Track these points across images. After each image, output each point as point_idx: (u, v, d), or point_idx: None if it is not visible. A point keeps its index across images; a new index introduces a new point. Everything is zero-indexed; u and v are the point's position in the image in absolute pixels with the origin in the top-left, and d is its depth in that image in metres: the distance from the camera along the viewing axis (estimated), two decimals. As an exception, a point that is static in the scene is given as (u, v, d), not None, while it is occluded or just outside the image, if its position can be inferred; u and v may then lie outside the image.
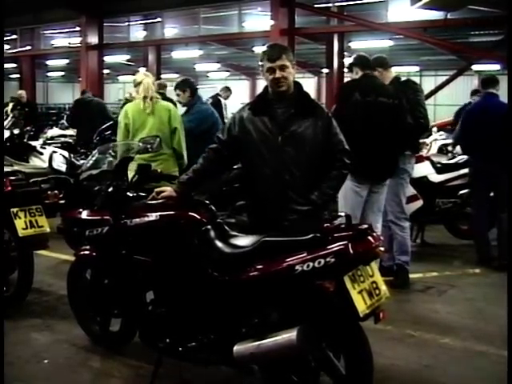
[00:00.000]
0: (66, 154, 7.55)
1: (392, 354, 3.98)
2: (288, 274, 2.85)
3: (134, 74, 5.81)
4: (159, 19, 22.55)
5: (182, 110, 6.45)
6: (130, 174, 4.05)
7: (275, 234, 3.10)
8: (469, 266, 6.22)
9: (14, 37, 23.43)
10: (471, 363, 3.95)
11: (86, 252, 4.03)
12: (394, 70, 5.70)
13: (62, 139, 10.68)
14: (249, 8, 20.00)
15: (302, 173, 3.43)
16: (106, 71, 23.78)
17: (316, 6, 17.17)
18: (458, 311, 4.95)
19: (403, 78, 5.64)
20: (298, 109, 3.47)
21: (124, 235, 3.67)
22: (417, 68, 30.51)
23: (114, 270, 3.85)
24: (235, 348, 3.01)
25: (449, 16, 13.58)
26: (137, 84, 5.42)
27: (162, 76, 23.17)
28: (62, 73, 37.65)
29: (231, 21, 21.12)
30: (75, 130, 10.80)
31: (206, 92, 17.52)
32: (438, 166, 6.84)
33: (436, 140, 10.15)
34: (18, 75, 27.93)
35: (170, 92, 7.14)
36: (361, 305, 2.80)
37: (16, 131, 8.03)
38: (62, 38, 24.79)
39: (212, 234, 3.32)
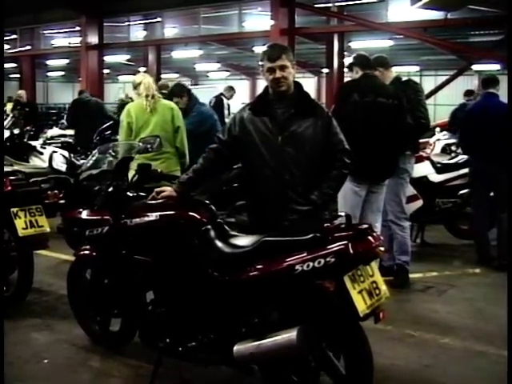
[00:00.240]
0: (66, 153, 7.55)
1: (392, 353, 3.98)
2: (288, 274, 2.85)
3: (134, 74, 5.82)
4: (159, 19, 22.55)
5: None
6: (132, 173, 4.06)
7: (275, 233, 3.10)
8: (469, 265, 6.22)
9: (14, 37, 23.44)
10: (471, 363, 3.95)
11: (86, 252, 4.03)
12: (394, 70, 5.69)
13: (62, 139, 10.67)
14: (249, 8, 20.00)
15: (302, 173, 3.43)
16: (106, 71, 23.77)
17: (316, 5, 17.17)
18: (457, 311, 4.95)
19: (404, 78, 5.64)
20: (298, 109, 3.47)
21: (124, 235, 3.67)
22: (417, 68, 30.51)
23: (113, 269, 3.85)
24: (235, 348, 3.01)
25: (449, 16, 13.58)
26: (136, 85, 5.43)
27: (162, 76, 23.17)
28: (62, 73, 37.65)
29: (231, 21, 21.12)
30: (74, 130, 10.80)
31: (206, 92, 17.56)
32: (438, 165, 6.84)
33: (439, 140, 10.15)
34: (18, 75, 27.96)
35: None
36: (361, 305, 2.80)
37: (16, 131, 8.03)
38: (62, 38, 24.80)
39: (212, 233, 3.32)
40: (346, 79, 17.25)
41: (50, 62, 30.91)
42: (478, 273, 6.03)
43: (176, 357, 3.48)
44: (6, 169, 5.62)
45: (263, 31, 17.10)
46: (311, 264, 2.79)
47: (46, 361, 3.94)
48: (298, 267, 2.82)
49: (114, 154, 4.25)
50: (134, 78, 5.57)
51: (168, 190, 3.56)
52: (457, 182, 6.74)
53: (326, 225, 2.93)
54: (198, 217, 3.40)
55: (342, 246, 2.77)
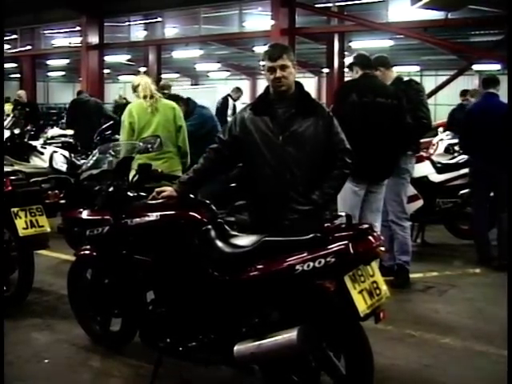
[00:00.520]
0: (66, 153, 7.55)
1: (392, 353, 3.98)
2: (288, 274, 2.85)
3: (134, 74, 5.82)
4: (160, 19, 22.55)
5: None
6: (133, 173, 4.06)
7: (276, 233, 3.10)
8: (469, 265, 6.22)
9: (15, 37, 23.46)
10: (471, 363, 3.95)
11: (87, 252, 4.03)
12: (395, 70, 5.69)
13: (63, 139, 10.66)
14: (249, 8, 20.01)
15: (303, 172, 3.42)
16: (106, 71, 23.77)
17: (316, 5, 17.19)
18: (458, 311, 4.95)
19: (405, 78, 5.63)
20: (299, 108, 3.47)
21: (124, 235, 3.67)
22: (417, 68, 30.52)
23: (114, 269, 3.85)
24: (235, 348, 3.01)
25: (449, 16, 13.59)
26: (135, 87, 5.43)
27: (163, 76, 23.17)
28: (63, 72, 37.66)
29: (232, 20, 21.13)
30: (73, 130, 10.81)
31: (206, 92, 17.55)
32: (439, 165, 6.84)
33: (442, 140, 10.13)
34: (18, 75, 27.96)
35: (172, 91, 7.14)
36: (361, 304, 2.80)
37: (17, 131, 8.02)
38: (63, 38, 24.81)
39: (212, 233, 3.32)
40: (346, 79, 17.24)
41: (51, 62, 30.93)
42: (478, 273, 6.03)
43: (176, 357, 3.48)
44: (7, 169, 5.62)
45: (263, 31, 17.11)
46: (311, 264, 2.79)
47: (46, 360, 3.94)
48: (298, 267, 2.82)
49: (114, 153, 4.25)
50: (133, 80, 5.57)
51: (168, 190, 3.56)
52: (457, 181, 6.74)
53: (326, 225, 2.93)
54: (199, 217, 3.40)
55: (343, 246, 2.77)
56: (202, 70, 33.69)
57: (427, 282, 5.65)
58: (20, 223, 4.63)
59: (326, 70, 22.86)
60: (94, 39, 18.74)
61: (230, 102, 11.90)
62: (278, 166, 3.43)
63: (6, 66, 26.47)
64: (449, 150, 9.33)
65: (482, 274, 5.97)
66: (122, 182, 3.90)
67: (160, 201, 3.57)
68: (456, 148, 9.13)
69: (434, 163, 6.83)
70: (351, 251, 2.76)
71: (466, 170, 6.59)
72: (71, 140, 9.27)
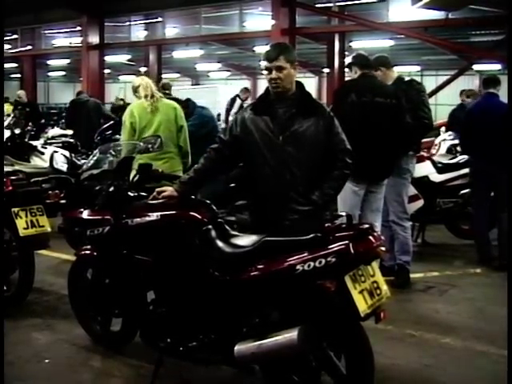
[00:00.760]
0: (66, 153, 7.56)
1: (393, 353, 3.98)
2: (289, 274, 2.85)
3: (134, 74, 5.82)
4: (160, 19, 22.56)
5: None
6: (133, 173, 4.07)
7: (276, 233, 3.10)
8: (469, 265, 6.22)
9: (15, 36, 23.46)
10: (472, 363, 3.95)
11: (87, 252, 4.03)
12: (395, 70, 5.69)
13: (63, 139, 10.67)
14: (250, 8, 20.01)
15: (303, 172, 3.42)
16: (106, 71, 23.76)
17: (317, 5, 17.19)
18: (458, 311, 4.95)
19: (407, 78, 5.63)
20: (299, 108, 3.46)
21: (125, 235, 3.67)
22: (418, 68, 30.52)
23: (114, 269, 3.86)
24: (236, 348, 3.01)
25: (450, 16, 13.58)
26: (136, 88, 5.43)
27: (163, 76, 23.17)
28: (63, 72, 37.66)
29: (232, 20, 21.14)
30: (72, 131, 10.82)
31: (207, 92, 17.55)
32: (439, 165, 6.84)
33: (445, 140, 10.11)
34: (18, 75, 27.95)
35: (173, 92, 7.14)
36: (362, 304, 2.80)
37: (17, 131, 8.02)
38: (63, 38, 24.81)
39: (213, 233, 3.32)
40: (346, 79, 17.24)
41: (51, 62, 30.92)
42: (478, 273, 6.03)
43: (177, 357, 3.48)
44: (7, 169, 5.62)
45: (264, 31, 17.10)
46: (312, 264, 2.79)
47: (46, 360, 3.94)
48: (298, 267, 2.82)
49: (114, 153, 4.26)
50: (133, 81, 5.57)
51: (169, 190, 3.55)
52: (458, 181, 6.74)
53: (326, 225, 2.93)
54: (199, 217, 3.40)
55: (343, 246, 2.77)
56: (203, 69, 33.69)
57: (428, 282, 5.65)
58: (20, 223, 4.63)
59: (326, 70, 22.87)
60: (94, 39, 18.72)
61: (238, 101, 11.96)
62: (278, 166, 3.42)
63: (7, 65, 26.49)
64: (451, 150, 9.31)
65: (482, 274, 5.97)
66: (122, 182, 3.90)
67: (160, 201, 3.57)
68: (458, 149, 9.12)
69: (434, 163, 6.83)
70: (352, 251, 2.76)
71: (466, 170, 6.59)
72: (72, 140, 9.27)
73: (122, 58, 26.64)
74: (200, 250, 3.30)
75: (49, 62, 31.10)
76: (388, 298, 2.97)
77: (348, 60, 5.16)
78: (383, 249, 2.90)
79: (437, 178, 6.73)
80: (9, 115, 9.14)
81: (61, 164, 7.26)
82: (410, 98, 5.19)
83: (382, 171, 5.00)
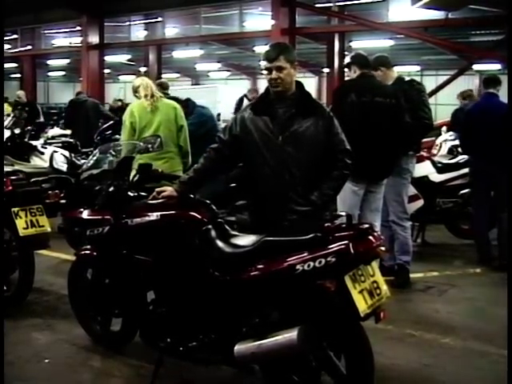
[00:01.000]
0: (66, 153, 7.56)
1: (392, 353, 3.98)
2: (289, 274, 2.85)
3: (134, 74, 5.82)
4: (160, 19, 22.57)
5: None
6: (133, 173, 4.07)
7: (276, 233, 3.10)
8: (469, 265, 6.22)
9: (15, 36, 23.47)
10: (471, 363, 3.95)
11: (87, 252, 4.03)
12: (395, 70, 5.68)
13: (63, 139, 10.67)
14: (250, 8, 20.01)
15: (303, 173, 3.42)
16: (106, 71, 23.75)
17: (317, 5, 17.19)
18: (458, 311, 4.95)
19: (407, 78, 5.62)
20: (299, 109, 3.46)
21: (125, 235, 3.67)
22: (418, 68, 30.53)
23: (114, 269, 3.85)
24: (236, 348, 3.01)
25: (449, 15, 13.59)
26: (136, 88, 5.43)
27: (163, 76, 23.17)
28: (63, 72, 37.68)
29: (232, 20, 21.14)
30: (71, 131, 10.83)
31: (207, 92, 17.55)
32: (439, 165, 6.84)
33: (446, 140, 10.11)
34: (18, 75, 27.96)
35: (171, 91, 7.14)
36: (361, 304, 2.80)
37: (17, 131, 8.03)
38: (63, 38, 24.82)
39: (213, 233, 3.32)
40: (346, 79, 17.25)
41: (51, 62, 30.95)
42: (478, 273, 6.03)
43: (177, 357, 3.48)
44: (7, 168, 5.62)
45: (264, 31, 17.11)
46: (312, 264, 2.79)
47: (46, 360, 3.94)
48: (298, 267, 2.82)
49: (114, 153, 4.26)
50: (133, 82, 5.57)
51: (169, 190, 3.55)
52: (457, 181, 6.74)
53: (326, 225, 2.93)
54: (199, 216, 3.40)
55: (343, 246, 2.77)
56: (203, 69, 33.70)
57: (427, 282, 5.65)
58: (20, 223, 4.63)
59: (326, 70, 22.87)
60: (94, 39, 18.73)
61: (245, 101, 12.01)
62: (277, 166, 3.42)
63: (7, 65, 26.48)
64: (452, 151, 9.32)
65: (482, 274, 5.97)
66: (122, 182, 3.90)
67: (160, 201, 3.57)
68: (460, 150, 9.12)
69: (434, 163, 6.83)
70: (351, 251, 2.76)
71: (466, 170, 6.59)
72: (71, 140, 9.27)
73: (122, 57, 26.64)
74: (200, 250, 3.30)
75: (49, 62, 31.13)
76: (388, 298, 2.97)
77: (347, 60, 5.16)
78: (383, 249, 2.90)
79: (437, 177, 6.73)
80: (9, 115, 9.13)
81: (61, 164, 7.26)
82: (411, 98, 5.19)
83: (381, 171, 5.00)
